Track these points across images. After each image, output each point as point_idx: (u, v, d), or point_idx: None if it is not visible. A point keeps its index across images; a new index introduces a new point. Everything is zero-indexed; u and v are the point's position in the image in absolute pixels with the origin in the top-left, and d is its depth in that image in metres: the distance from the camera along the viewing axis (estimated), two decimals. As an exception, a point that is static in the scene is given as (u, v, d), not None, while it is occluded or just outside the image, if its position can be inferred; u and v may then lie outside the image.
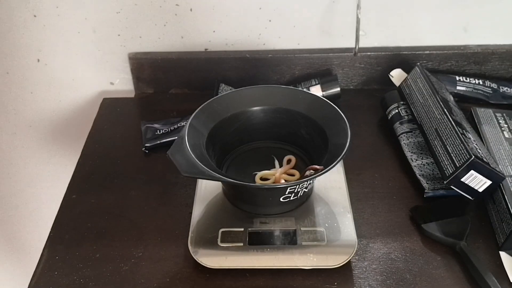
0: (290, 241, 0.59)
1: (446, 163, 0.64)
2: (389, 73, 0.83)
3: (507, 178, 0.62)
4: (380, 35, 0.85)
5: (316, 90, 0.82)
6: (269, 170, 0.65)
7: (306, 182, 0.57)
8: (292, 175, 0.64)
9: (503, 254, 0.60)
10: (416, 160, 0.70)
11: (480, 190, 0.62)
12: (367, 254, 0.60)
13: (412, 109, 0.75)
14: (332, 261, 0.57)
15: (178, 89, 0.90)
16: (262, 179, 0.64)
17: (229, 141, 0.67)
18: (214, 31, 0.84)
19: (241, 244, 0.58)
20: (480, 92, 0.83)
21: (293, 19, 0.83)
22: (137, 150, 0.76)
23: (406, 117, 0.76)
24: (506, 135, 0.71)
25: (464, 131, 0.65)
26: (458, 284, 0.57)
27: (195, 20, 0.83)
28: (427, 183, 0.67)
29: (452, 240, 0.60)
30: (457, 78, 0.84)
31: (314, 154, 0.65)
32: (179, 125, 0.78)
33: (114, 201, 0.68)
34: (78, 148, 0.78)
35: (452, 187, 0.63)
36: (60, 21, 0.82)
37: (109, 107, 0.87)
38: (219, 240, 0.59)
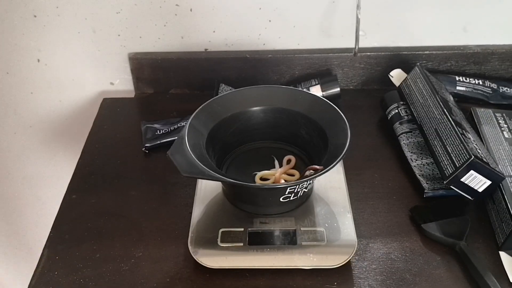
0: (290, 241, 0.59)
1: (446, 163, 0.64)
2: (389, 73, 0.83)
3: (506, 178, 0.62)
4: (380, 35, 0.85)
5: (316, 90, 0.82)
6: (269, 170, 0.65)
7: (306, 182, 0.57)
8: (292, 175, 0.65)
9: (503, 254, 0.60)
10: (416, 160, 0.70)
11: (480, 190, 0.62)
12: (367, 254, 0.60)
13: (412, 109, 0.75)
14: (332, 261, 0.57)
15: (178, 89, 0.90)
16: (262, 179, 0.64)
17: (229, 141, 0.67)
18: (214, 31, 0.84)
19: (241, 244, 0.58)
20: (480, 92, 0.83)
21: (293, 19, 0.83)
22: (137, 150, 0.76)
23: (406, 117, 0.76)
24: (506, 135, 0.71)
25: (464, 131, 0.66)
26: (458, 284, 0.57)
27: (195, 20, 0.83)
28: (427, 183, 0.67)
29: (452, 240, 0.60)
30: (457, 78, 0.84)
31: (314, 154, 0.65)
32: (179, 125, 0.78)
33: (114, 201, 0.68)
34: (78, 148, 0.78)
35: (451, 187, 0.63)
36: (60, 21, 0.82)
37: (109, 107, 0.87)
38: (219, 240, 0.59)
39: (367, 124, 0.81)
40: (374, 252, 0.61)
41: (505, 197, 0.60)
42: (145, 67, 0.87)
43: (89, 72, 0.89)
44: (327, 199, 0.64)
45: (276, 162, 0.66)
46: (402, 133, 0.74)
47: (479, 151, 0.63)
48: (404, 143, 0.73)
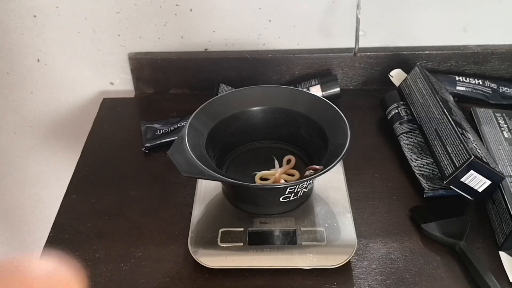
0: (290, 241, 0.59)
1: (446, 163, 0.64)
2: (388, 73, 0.83)
3: (506, 178, 0.62)
4: (380, 35, 0.85)
5: (316, 90, 0.82)
6: (269, 170, 0.65)
7: (305, 182, 0.57)
8: (292, 175, 0.65)
9: (502, 254, 0.60)
10: (416, 160, 0.70)
11: (480, 190, 0.62)
12: (367, 254, 0.60)
13: (412, 109, 0.75)
14: (332, 261, 0.57)
15: (178, 89, 0.90)
16: (262, 179, 0.64)
17: (229, 141, 0.67)
18: (214, 31, 0.84)
19: (241, 244, 0.58)
20: (480, 92, 0.83)
21: (293, 19, 0.83)
22: (137, 150, 0.76)
23: (405, 117, 0.76)
24: (506, 135, 0.71)
25: (463, 131, 0.66)
26: (458, 284, 0.57)
27: (195, 20, 0.83)
28: (426, 183, 0.67)
29: (452, 240, 0.60)
30: (457, 78, 0.84)
31: (314, 154, 0.65)
32: (179, 125, 0.78)
33: (114, 201, 0.68)
34: (78, 148, 0.78)
35: (451, 187, 0.63)
36: (60, 21, 0.82)
37: (109, 107, 0.87)
38: (219, 240, 0.59)
39: (367, 124, 0.81)
40: (374, 252, 0.61)
41: (505, 197, 0.61)
42: (145, 67, 0.87)
43: (89, 72, 0.89)
44: (327, 199, 0.64)
45: (276, 162, 0.66)
46: (402, 133, 0.74)
47: (479, 151, 0.63)
48: (404, 143, 0.73)
